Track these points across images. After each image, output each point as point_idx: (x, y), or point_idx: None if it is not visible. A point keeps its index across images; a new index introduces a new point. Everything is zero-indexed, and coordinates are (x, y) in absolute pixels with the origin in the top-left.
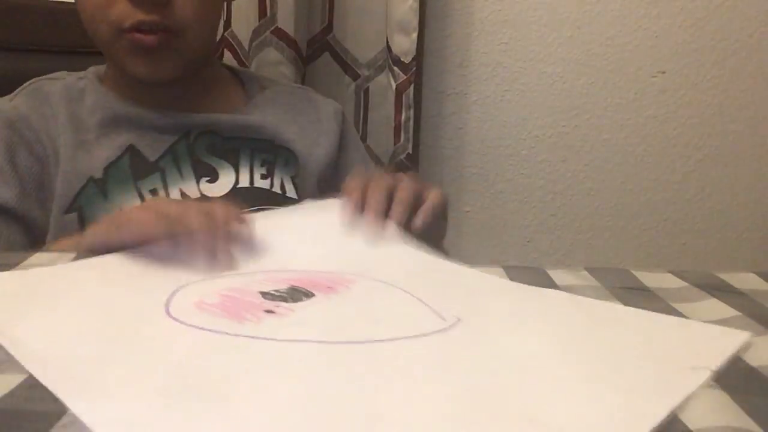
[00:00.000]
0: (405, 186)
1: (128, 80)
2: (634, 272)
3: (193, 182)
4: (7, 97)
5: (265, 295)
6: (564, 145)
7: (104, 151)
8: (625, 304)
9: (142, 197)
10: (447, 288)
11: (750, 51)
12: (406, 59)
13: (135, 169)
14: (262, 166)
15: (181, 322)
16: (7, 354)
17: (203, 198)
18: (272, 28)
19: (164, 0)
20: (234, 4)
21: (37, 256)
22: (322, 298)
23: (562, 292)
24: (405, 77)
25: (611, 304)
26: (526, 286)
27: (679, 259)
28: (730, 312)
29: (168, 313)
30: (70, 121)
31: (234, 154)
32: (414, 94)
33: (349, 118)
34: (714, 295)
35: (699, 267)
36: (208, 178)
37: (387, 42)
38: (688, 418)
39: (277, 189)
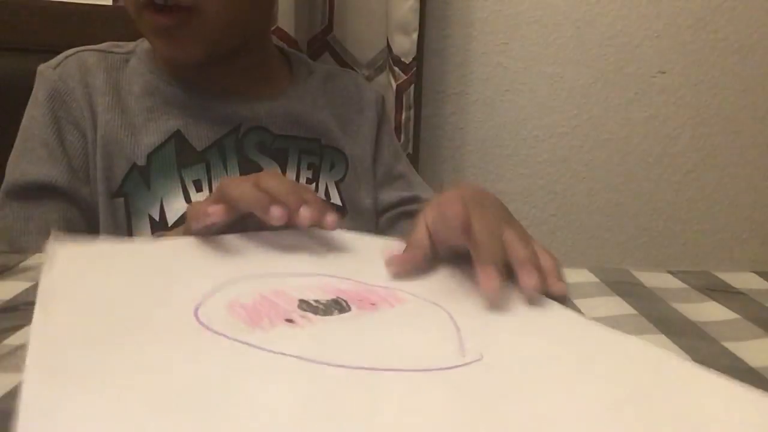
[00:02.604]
0: (520, 240)
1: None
2: (633, 272)
3: None
4: (50, 63)
5: (301, 303)
6: (564, 145)
7: (150, 137)
8: (625, 300)
9: (185, 187)
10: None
11: (750, 51)
12: (407, 59)
13: (180, 156)
14: (308, 169)
15: (200, 323)
16: (8, 352)
17: None
18: (272, 27)
19: None
20: None
21: (38, 257)
22: (356, 314)
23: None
24: (405, 77)
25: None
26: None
27: (679, 259)
28: (729, 313)
29: (195, 311)
30: (116, 101)
31: (282, 154)
32: (414, 94)
33: (389, 108)
34: (713, 296)
35: (699, 267)
36: None
37: (387, 42)
38: None
39: (320, 195)
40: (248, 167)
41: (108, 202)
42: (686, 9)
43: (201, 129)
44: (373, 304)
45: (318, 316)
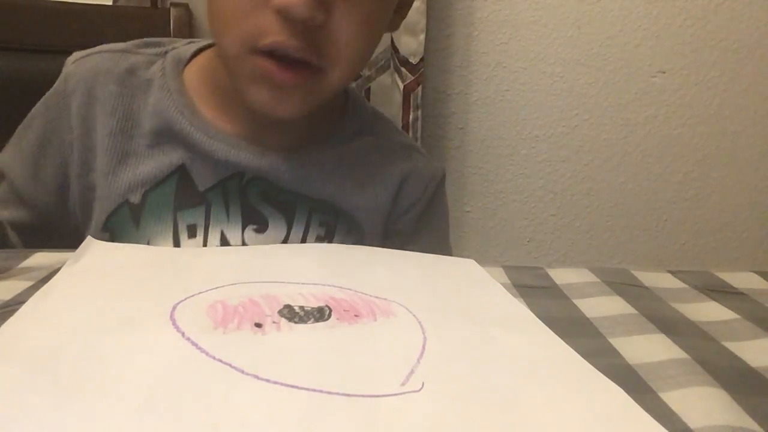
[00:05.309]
0: None
1: (216, 86)
2: (633, 272)
3: (239, 227)
4: (78, 54)
5: (283, 309)
6: (564, 145)
7: (151, 168)
8: (625, 300)
9: (177, 230)
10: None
11: (750, 51)
12: (414, 60)
13: (179, 196)
14: (320, 226)
15: (171, 319)
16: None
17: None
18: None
19: (320, 20)
20: None
21: (39, 256)
22: (331, 324)
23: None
24: (413, 78)
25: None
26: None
27: (679, 259)
28: (729, 313)
29: (174, 306)
30: (122, 125)
31: (290, 207)
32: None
33: (444, 192)
34: (713, 296)
35: (699, 267)
36: (255, 227)
37: (392, 43)
38: (688, 418)
39: None
40: (251, 215)
41: (97, 235)
42: (686, 9)
43: (206, 167)
44: (356, 316)
45: (291, 324)
